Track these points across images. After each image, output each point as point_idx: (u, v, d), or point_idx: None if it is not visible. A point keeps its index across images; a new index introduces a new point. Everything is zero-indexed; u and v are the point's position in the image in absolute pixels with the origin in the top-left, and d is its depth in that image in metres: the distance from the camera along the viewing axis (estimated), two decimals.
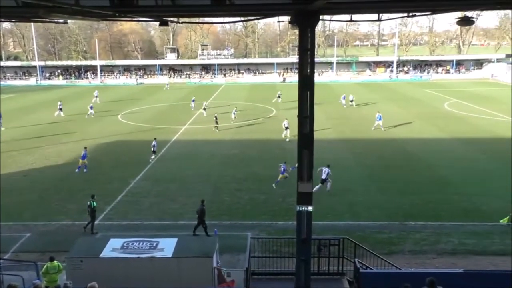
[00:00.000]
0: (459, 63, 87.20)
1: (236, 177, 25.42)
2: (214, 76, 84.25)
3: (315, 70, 11.49)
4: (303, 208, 10.68)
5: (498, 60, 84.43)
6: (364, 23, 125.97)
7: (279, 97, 52.89)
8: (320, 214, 18.91)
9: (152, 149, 28.74)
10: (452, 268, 14.90)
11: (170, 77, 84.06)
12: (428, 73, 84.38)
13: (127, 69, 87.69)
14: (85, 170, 26.38)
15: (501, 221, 19.03)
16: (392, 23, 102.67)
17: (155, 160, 28.76)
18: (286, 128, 33.72)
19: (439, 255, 16.51)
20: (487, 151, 30.22)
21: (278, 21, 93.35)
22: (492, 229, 18.48)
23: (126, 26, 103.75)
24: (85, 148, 27.13)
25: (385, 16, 18.37)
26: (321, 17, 10.41)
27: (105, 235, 13.85)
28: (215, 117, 37.50)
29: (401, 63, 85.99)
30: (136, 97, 61.35)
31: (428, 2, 8.99)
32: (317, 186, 21.48)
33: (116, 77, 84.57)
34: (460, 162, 27.85)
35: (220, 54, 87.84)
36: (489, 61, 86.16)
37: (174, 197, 22.42)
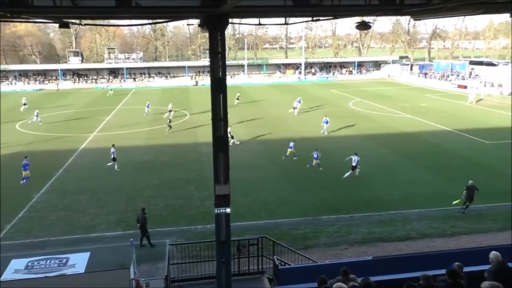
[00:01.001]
0: (360, 65, 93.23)
1: (151, 183, 24.74)
2: (124, 81, 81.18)
3: (227, 73, 11.55)
4: (221, 211, 10.69)
5: (393, 62, 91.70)
6: (273, 26, 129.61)
7: (237, 98, 53.01)
8: (238, 215, 19.11)
9: (112, 156, 27.17)
10: (363, 256, 15.87)
11: (74, 82, 79.41)
12: (333, 74, 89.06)
13: (24, 74, 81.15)
14: (23, 181, 24.60)
15: (454, 202, 20.56)
16: (299, 27, 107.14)
17: (63, 170, 26.99)
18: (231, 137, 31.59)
19: (351, 245, 17.51)
20: (388, 145, 32.66)
21: (188, 24, 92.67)
22: (395, 217, 20.01)
23: (21, 28, 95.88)
24: (26, 157, 25.47)
25: (291, 20, 19.06)
26: (230, 20, 10.51)
27: (6, 256, 12.69)
28: (169, 120, 38.73)
29: (309, 65, 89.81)
30: (37, 104, 57.06)
31: (329, 7, 9.49)
32: (348, 173, 24.91)
33: (11, 83, 77.81)
34: (366, 157, 29.68)
35: (128, 58, 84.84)
36: (385, 62, 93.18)
37: (84, 209, 21.21)
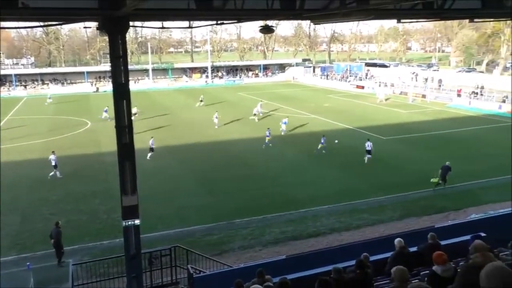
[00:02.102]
0: (266, 67, 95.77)
1: (50, 199, 23.00)
2: (13, 89, 74.53)
3: (130, 78, 11.15)
4: (129, 223, 10.27)
5: (297, 64, 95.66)
6: (177, 30, 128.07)
7: (201, 101, 53.50)
8: (149, 226, 18.51)
9: (53, 164, 26.13)
10: (277, 256, 16.28)
11: None
12: (240, 77, 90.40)
13: None
14: None
15: (431, 180, 23.29)
16: (204, 30, 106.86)
17: None
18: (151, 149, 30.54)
19: (265, 246, 17.85)
20: (298, 145, 33.92)
21: (85, 27, 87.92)
22: (306, 215, 20.83)
23: None
24: None
25: (195, 23, 18.96)
26: (131, 23, 10.15)
27: None
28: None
29: (215, 69, 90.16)
30: None
31: (232, 11, 9.59)
32: (366, 157, 28.46)
33: None
34: (275, 158, 30.61)
35: (17, 63, 78.20)
36: (290, 65, 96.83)
37: None
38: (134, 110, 45.19)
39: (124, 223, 10.32)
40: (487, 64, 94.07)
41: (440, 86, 64.27)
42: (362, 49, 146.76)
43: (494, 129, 38.96)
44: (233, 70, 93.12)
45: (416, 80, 72.84)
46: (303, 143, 34.50)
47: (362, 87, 71.45)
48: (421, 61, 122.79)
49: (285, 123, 38.35)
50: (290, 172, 27.33)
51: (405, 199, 22.45)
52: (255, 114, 44.78)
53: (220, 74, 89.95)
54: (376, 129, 38.80)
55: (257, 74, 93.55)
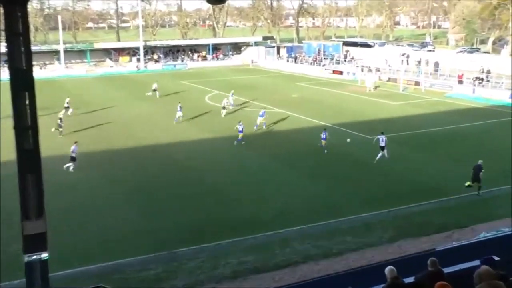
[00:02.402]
0: (216, 48, 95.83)
1: None
2: None
3: (35, 62, 10.73)
4: (34, 257, 9.82)
5: (257, 44, 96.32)
6: None
7: (155, 90, 55.05)
8: (63, 260, 17.89)
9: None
10: None
11: None
12: (182, 60, 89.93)
13: None
14: None
15: (466, 184, 24.87)
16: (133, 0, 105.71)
17: None
18: None
19: (218, 283, 17.67)
20: (257, 147, 34.00)
21: None
22: (272, 239, 20.81)
23: None
24: None
25: None
26: None
27: None
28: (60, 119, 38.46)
29: (149, 50, 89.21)
30: None
31: None
32: (379, 154, 30.29)
33: None
34: (230, 164, 30.54)
35: None
36: (247, 44, 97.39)
37: None
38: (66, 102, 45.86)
39: (26, 258, 9.87)
40: (494, 43, 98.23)
41: (436, 70, 66.46)
42: (339, 24, 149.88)
43: (506, 124, 40.57)
44: (173, 52, 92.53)
45: (408, 64, 75.05)
46: (266, 145, 34.66)
47: (340, 73, 72.85)
48: (413, 39, 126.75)
49: (262, 115, 39.43)
50: (255, 181, 27.32)
51: (398, 215, 22.89)
52: (224, 107, 45.47)
53: (155, 57, 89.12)
54: (360, 126, 39.52)
55: (205, 56, 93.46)
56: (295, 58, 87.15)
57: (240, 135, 35.14)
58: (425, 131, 38.36)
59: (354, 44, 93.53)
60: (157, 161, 31.44)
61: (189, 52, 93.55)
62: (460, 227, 21.41)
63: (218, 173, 29.06)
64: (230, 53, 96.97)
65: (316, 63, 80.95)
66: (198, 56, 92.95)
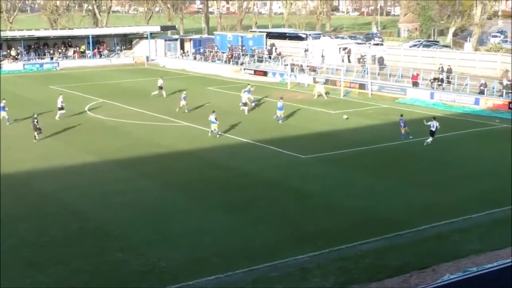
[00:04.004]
0: (99, 42, 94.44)
1: None
2: None
3: None
4: None
5: (153, 36, 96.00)
6: None
7: (161, 88, 59.82)
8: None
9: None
10: None
11: None
12: (52, 58, 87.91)
13: None
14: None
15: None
16: None
17: None
18: None
19: None
20: (155, 174, 33.78)
21: None
22: None
23: None
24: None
25: None
26: None
27: None
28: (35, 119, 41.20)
29: (5, 43, 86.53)
30: None
31: None
32: (430, 139, 38.53)
33: None
34: (117, 197, 30.06)
35: None
36: (140, 36, 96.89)
37: None
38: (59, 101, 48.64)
39: None
40: (455, 34, 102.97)
41: (382, 69, 68.64)
42: (261, 11, 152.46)
43: (473, 136, 42.48)
44: (38, 46, 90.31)
45: (349, 61, 77.18)
46: (168, 170, 34.55)
47: (264, 73, 73.92)
48: (356, 29, 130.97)
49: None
50: (146, 219, 27.08)
51: (341, 256, 23.28)
52: (245, 104, 51.18)
53: (14, 53, 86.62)
54: (290, 143, 40.11)
55: (83, 52, 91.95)
56: (204, 54, 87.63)
57: (214, 126, 41.08)
58: (372, 148, 39.37)
59: (281, 36, 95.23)
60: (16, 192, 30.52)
61: (62, 47, 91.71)
62: (420, 268, 22.10)
63: (98, 212, 28.55)
64: (118, 48, 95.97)
65: (232, 61, 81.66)
66: (74, 53, 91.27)
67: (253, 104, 51.16)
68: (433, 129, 38.06)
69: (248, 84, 55.92)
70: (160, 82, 60.31)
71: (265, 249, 23.94)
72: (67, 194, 30.90)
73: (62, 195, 30.71)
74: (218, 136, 41.44)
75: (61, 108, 48.53)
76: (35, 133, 41.71)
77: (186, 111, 50.90)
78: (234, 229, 26.11)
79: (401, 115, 41.31)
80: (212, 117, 41.06)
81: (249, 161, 36.52)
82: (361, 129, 45.59)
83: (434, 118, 39.22)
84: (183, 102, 51.20)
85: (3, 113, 46.95)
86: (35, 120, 41.68)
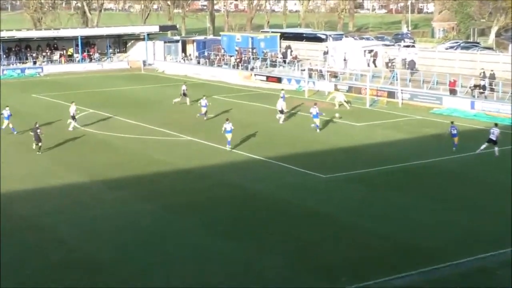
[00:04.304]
0: (88, 43, 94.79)
1: None
2: None
3: None
4: None
5: (150, 37, 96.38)
6: None
7: (184, 94, 60.52)
8: None
9: None
10: None
11: None
12: (35, 63, 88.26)
13: None
14: None
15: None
16: None
17: None
18: None
19: None
20: (152, 195, 33.48)
21: None
22: None
23: None
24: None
25: None
26: None
27: None
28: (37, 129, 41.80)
29: None
30: None
31: None
32: (484, 145, 39.47)
33: None
34: (108, 222, 29.84)
35: None
36: (137, 38, 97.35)
37: None
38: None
39: None
40: (498, 35, 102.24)
41: (413, 74, 68.13)
42: (274, 8, 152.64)
43: None
44: (20, 49, 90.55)
45: (375, 65, 76.80)
46: (167, 190, 34.37)
47: (278, 80, 73.75)
48: (383, 29, 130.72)
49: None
50: (150, 242, 26.87)
51: None
52: (282, 111, 52.69)
53: None
54: (308, 160, 39.90)
55: (70, 56, 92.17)
56: (209, 58, 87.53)
57: (204, 110, 48.13)
58: (403, 166, 38.88)
59: (298, 37, 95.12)
60: None
61: (46, 50, 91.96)
62: None
63: (94, 237, 28.44)
64: (110, 51, 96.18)
65: (242, 65, 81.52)
66: (60, 56, 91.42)
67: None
68: (493, 138, 38.62)
69: (282, 90, 56.72)
70: (183, 88, 60.68)
71: (278, 282, 23.64)
72: (52, 219, 30.72)
73: (45, 220, 30.55)
74: (229, 149, 42.11)
75: (73, 117, 49.35)
76: (38, 144, 42.27)
77: (205, 119, 52.29)
78: (243, 259, 25.81)
79: (452, 122, 42.16)
80: (227, 126, 41.75)
81: (260, 180, 36.19)
82: (390, 144, 45.32)
83: (496, 125, 40.81)
84: (204, 109, 52.57)
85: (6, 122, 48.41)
86: (37, 130, 42.09)
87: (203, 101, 53.20)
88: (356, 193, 34.16)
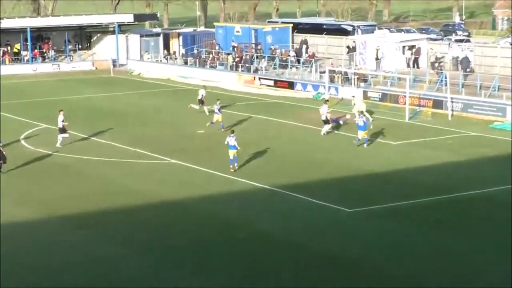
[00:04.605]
0: (41, 37, 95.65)
1: None
2: None
3: None
4: None
5: (122, 29, 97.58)
6: None
7: (202, 101, 62.54)
8: None
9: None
10: None
11: None
12: None
13: None
14: None
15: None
16: None
17: None
18: None
19: None
20: (121, 233, 33.90)
21: None
22: None
23: None
24: None
25: None
26: None
27: None
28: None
29: None
30: None
31: None
32: None
33: None
34: (69, 273, 29.69)
35: None
36: (105, 30, 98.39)
37: None
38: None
39: None
40: None
41: (467, 77, 68.46)
42: None
43: None
44: None
45: (418, 66, 77.08)
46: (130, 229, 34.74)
47: (290, 85, 74.42)
48: (428, 19, 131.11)
49: (363, 125, 50.56)
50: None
51: None
52: (327, 121, 54.66)
53: None
54: (329, 190, 40.41)
55: (17, 54, 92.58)
56: (199, 57, 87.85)
57: (217, 117, 49.36)
58: (452, 197, 39.13)
59: (316, 29, 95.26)
60: None
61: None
62: None
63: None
64: (70, 47, 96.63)
65: (242, 66, 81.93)
66: (4, 54, 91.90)
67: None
68: None
69: (323, 93, 60.97)
70: (201, 93, 62.02)
71: None
72: None
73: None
74: (222, 130, 46.33)
75: (63, 130, 50.58)
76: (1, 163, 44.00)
77: (222, 130, 52.98)
78: None
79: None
80: (230, 140, 43.41)
81: (267, 216, 36.44)
82: (436, 168, 45.55)
83: None
84: (217, 115, 53.73)
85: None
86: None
87: (216, 106, 54.56)
88: (389, 232, 34.14)
